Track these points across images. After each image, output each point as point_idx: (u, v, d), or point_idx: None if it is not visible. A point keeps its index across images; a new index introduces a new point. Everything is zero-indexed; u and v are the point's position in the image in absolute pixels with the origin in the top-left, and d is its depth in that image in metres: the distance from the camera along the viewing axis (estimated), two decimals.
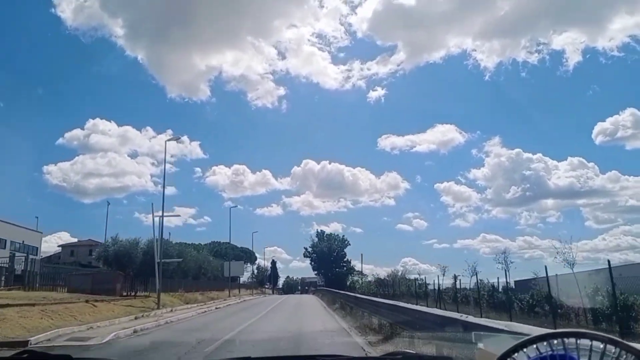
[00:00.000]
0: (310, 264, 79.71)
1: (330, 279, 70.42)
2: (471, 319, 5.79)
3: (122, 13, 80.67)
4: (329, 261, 76.27)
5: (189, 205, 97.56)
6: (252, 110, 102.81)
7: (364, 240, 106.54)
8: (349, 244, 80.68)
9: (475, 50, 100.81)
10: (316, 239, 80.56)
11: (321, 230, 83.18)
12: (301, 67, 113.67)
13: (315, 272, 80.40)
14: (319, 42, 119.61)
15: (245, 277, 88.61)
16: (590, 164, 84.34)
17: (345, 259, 79.15)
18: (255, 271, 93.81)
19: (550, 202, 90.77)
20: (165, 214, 25.22)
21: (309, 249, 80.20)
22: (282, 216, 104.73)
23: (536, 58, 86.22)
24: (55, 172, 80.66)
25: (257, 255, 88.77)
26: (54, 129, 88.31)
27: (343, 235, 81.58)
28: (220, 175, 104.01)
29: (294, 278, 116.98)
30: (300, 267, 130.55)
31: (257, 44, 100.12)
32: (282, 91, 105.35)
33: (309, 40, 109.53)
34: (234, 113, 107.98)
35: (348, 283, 64.45)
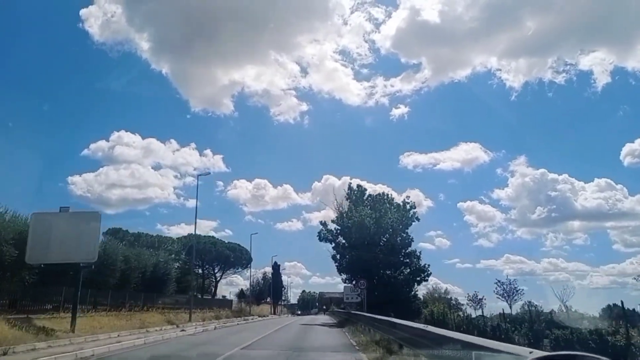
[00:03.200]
0: (335, 259, 38.66)
1: (378, 292, 34.71)
2: None
3: (148, 27, 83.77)
4: (374, 250, 36.14)
5: (211, 218, 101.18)
6: (274, 125, 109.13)
7: None
8: (417, 219, 38.80)
9: (501, 70, 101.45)
10: (346, 204, 39.82)
11: (359, 187, 41.78)
12: (324, 83, 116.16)
13: (346, 276, 40.28)
14: (342, 59, 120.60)
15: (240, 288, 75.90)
16: (619, 186, 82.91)
17: (409, 249, 37.76)
18: (260, 281, 75.50)
19: (576, 224, 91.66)
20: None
21: (332, 227, 39.23)
22: (303, 231, 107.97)
23: (563, 78, 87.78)
24: (80, 183, 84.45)
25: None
26: (80, 140, 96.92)
27: (406, 200, 39.83)
28: (242, 189, 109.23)
29: (311, 293, 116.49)
30: (319, 284, 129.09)
31: (280, 59, 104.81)
32: (304, 107, 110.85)
33: (332, 56, 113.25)
34: (257, 127, 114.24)
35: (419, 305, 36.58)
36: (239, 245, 65.44)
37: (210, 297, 58.37)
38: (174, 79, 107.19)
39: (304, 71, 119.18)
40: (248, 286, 70.37)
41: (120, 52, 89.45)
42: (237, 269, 65.66)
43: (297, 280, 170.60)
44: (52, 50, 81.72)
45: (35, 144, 66.50)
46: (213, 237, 66.59)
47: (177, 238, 61.70)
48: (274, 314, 65.81)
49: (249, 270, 62.56)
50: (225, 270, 64.84)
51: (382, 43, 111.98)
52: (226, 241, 62.95)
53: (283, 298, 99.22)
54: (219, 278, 63.46)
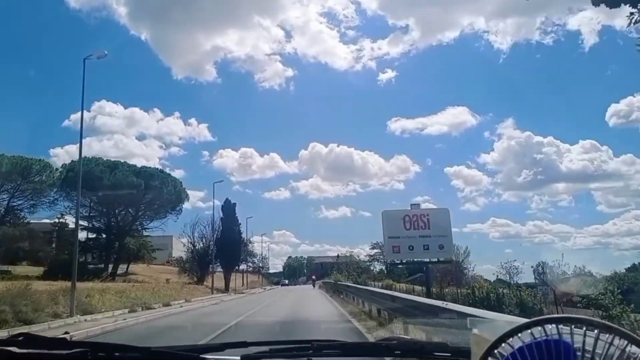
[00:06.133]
0: None
1: None
2: None
3: None
4: None
5: (198, 189, 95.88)
6: (259, 92, 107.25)
7: (373, 225, 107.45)
8: None
9: (488, 32, 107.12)
10: None
11: None
12: (309, 46, 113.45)
13: None
14: (328, 21, 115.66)
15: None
16: (604, 147, 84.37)
17: None
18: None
19: (561, 186, 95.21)
20: None
21: None
22: (291, 200, 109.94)
23: (551, 39, 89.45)
24: (62, 155, 69.81)
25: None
26: (59, 111, 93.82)
27: None
28: (228, 158, 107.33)
29: (298, 258, 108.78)
30: (308, 251, 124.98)
31: (264, 22, 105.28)
32: (289, 72, 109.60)
33: (317, 18, 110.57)
34: (241, 95, 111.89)
35: None
36: (160, 171, 35.06)
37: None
38: (154, 45, 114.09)
39: (288, 35, 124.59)
40: (188, 245, 40.67)
41: (97, 19, 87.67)
42: (161, 213, 35.49)
43: (287, 248, 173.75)
44: (24, 19, 76.91)
45: (14, 117, 62.99)
46: (118, 161, 35.79)
47: (62, 165, 39.85)
48: (225, 291, 35.48)
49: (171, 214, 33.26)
50: (138, 214, 34.24)
51: (368, 4, 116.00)
52: (139, 165, 33.48)
53: (261, 265, 70.18)
54: (127, 227, 33.67)
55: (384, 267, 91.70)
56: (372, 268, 75.59)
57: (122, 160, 42.86)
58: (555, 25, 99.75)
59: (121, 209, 40.48)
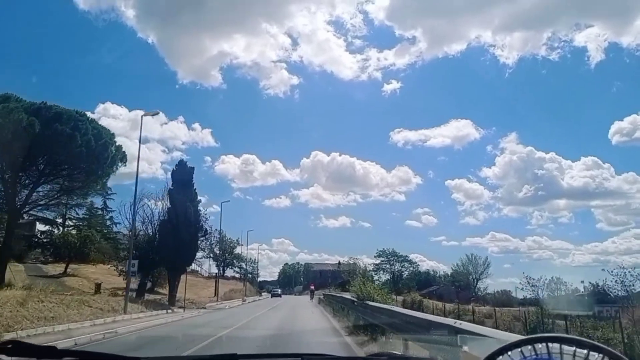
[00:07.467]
0: None
1: None
2: None
3: None
4: None
5: (199, 194, 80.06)
6: (264, 99, 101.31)
7: (372, 236, 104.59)
8: None
9: (495, 46, 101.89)
10: None
11: None
12: (315, 55, 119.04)
13: None
14: (335, 30, 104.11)
15: None
16: (606, 165, 78.22)
17: None
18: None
19: (562, 202, 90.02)
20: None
21: None
22: (291, 208, 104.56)
23: (557, 55, 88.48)
24: None
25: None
26: None
27: None
28: (230, 164, 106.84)
29: (294, 265, 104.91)
30: (306, 260, 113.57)
31: (271, 30, 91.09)
32: (295, 80, 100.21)
33: (324, 27, 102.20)
34: (246, 101, 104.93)
35: None
36: (77, 112, 18.16)
37: None
38: (160, 48, 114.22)
39: (295, 43, 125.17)
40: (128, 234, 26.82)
41: (106, 21, 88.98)
42: (76, 180, 19.41)
43: (285, 256, 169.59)
44: (36, 20, 75.56)
45: None
46: (11, 93, 19.53)
47: None
48: (168, 305, 19.25)
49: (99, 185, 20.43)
50: (35, 181, 18.09)
51: (376, 14, 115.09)
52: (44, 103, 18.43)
53: (249, 271, 77.96)
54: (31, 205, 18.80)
55: (389, 277, 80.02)
56: (376, 279, 64.38)
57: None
58: (562, 41, 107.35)
59: (7, 172, 26.83)
